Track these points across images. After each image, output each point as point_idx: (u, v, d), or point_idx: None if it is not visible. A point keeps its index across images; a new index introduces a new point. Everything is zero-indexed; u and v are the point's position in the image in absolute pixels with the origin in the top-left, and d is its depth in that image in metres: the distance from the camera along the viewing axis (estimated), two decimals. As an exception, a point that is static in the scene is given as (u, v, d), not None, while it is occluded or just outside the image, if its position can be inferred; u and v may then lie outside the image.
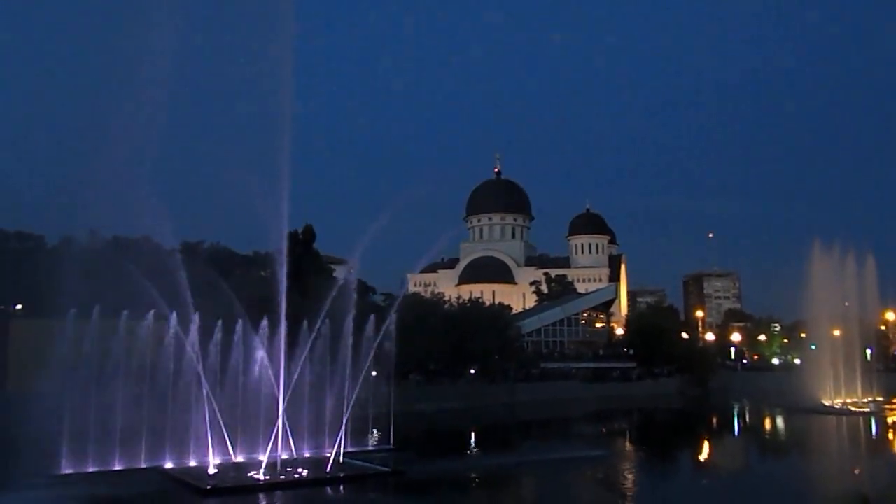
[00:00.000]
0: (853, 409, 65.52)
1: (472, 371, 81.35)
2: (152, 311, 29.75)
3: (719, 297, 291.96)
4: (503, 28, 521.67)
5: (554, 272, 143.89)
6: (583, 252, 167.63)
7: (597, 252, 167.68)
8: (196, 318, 29.48)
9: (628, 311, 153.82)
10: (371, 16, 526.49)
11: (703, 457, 41.22)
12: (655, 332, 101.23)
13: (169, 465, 29.29)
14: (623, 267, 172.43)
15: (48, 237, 71.14)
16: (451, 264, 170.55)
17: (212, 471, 28.32)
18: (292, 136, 31.35)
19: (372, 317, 32.83)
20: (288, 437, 30.14)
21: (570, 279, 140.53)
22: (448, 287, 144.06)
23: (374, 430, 35.58)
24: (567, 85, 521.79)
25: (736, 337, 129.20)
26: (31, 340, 50.00)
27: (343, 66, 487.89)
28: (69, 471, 27.16)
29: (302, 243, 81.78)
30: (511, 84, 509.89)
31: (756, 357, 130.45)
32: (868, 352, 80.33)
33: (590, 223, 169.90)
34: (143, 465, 28.97)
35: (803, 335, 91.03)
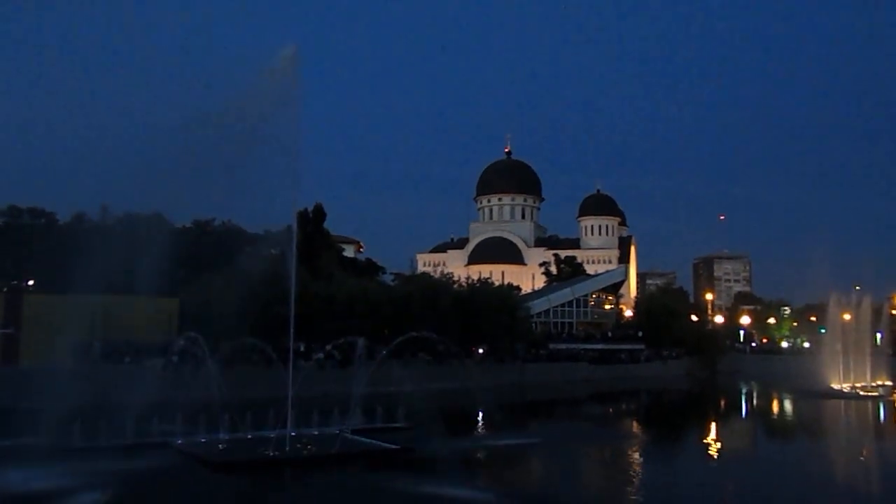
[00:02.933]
0: (862, 392, 65.50)
1: (481, 351, 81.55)
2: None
3: (729, 280, 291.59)
4: (514, 8, 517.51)
5: (564, 253, 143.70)
6: (593, 233, 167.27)
7: (607, 234, 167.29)
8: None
9: (637, 293, 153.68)
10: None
11: (708, 438, 41.29)
12: (664, 314, 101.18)
13: (179, 440, 29.58)
14: (633, 249, 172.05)
15: (60, 213, 71.67)
16: (460, 244, 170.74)
17: (222, 446, 28.62)
18: (303, 115, 31.36)
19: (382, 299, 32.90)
20: (297, 414, 30.34)
21: (579, 260, 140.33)
22: (457, 267, 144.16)
23: (383, 409, 35.80)
24: (578, 65, 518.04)
25: (745, 320, 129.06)
26: (43, 316, 50.54)
27: (354, 46, 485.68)
28: (81, 444, 27.46)
29: (312, 222, 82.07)
30: (522, 64, 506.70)
31: (765, 340, 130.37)
32: (878, 336, 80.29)
33: (600, 204, 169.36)
34: (155, 440, 29.28)
35: (813, 318, 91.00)
